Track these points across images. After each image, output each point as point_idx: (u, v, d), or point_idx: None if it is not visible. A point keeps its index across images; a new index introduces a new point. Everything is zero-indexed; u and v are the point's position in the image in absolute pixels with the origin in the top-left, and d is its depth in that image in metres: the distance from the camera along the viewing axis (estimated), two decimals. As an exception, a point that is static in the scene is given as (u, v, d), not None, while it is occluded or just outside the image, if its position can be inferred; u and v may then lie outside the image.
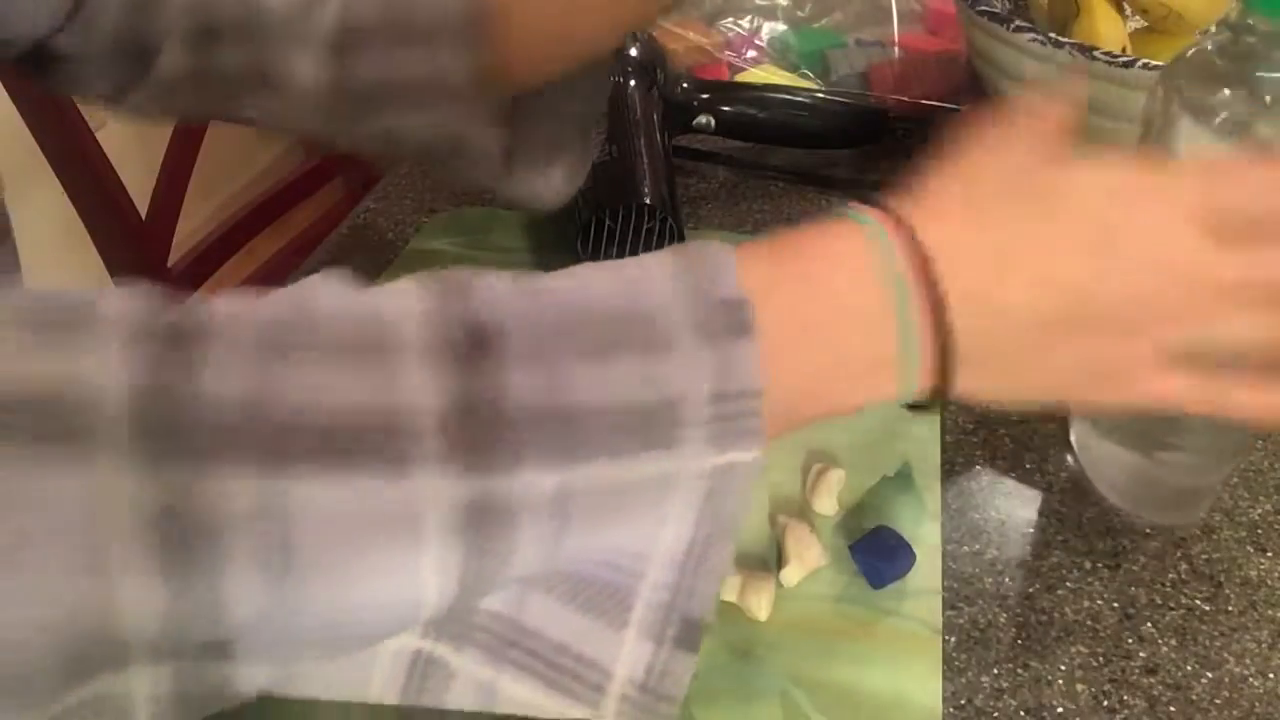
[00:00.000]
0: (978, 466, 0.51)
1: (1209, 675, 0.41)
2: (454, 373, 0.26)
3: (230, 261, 1.15)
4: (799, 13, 0.86)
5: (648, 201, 0.60)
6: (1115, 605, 0.44)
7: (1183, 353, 0.31)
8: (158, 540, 0.23)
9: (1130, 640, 0.43)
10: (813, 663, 0.42)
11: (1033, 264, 0.30)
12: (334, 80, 0.43)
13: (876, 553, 0.45)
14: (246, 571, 0.24)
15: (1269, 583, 0.45)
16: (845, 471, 0.49)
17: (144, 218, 1.06)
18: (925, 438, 0.52)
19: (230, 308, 0.26)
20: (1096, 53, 0.55)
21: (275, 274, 1.15)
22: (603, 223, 0.60)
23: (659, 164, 0.63)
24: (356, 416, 0.25)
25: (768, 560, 0.46)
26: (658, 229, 0.61)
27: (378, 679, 0.28)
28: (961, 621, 0.44)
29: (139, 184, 1.06)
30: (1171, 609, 0.44)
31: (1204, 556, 0.46)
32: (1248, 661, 0.42)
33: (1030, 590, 0.45)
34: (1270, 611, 0.44)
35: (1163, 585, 0.45)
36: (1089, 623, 0.43)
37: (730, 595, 0.44)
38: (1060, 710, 0.40)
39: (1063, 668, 0.42)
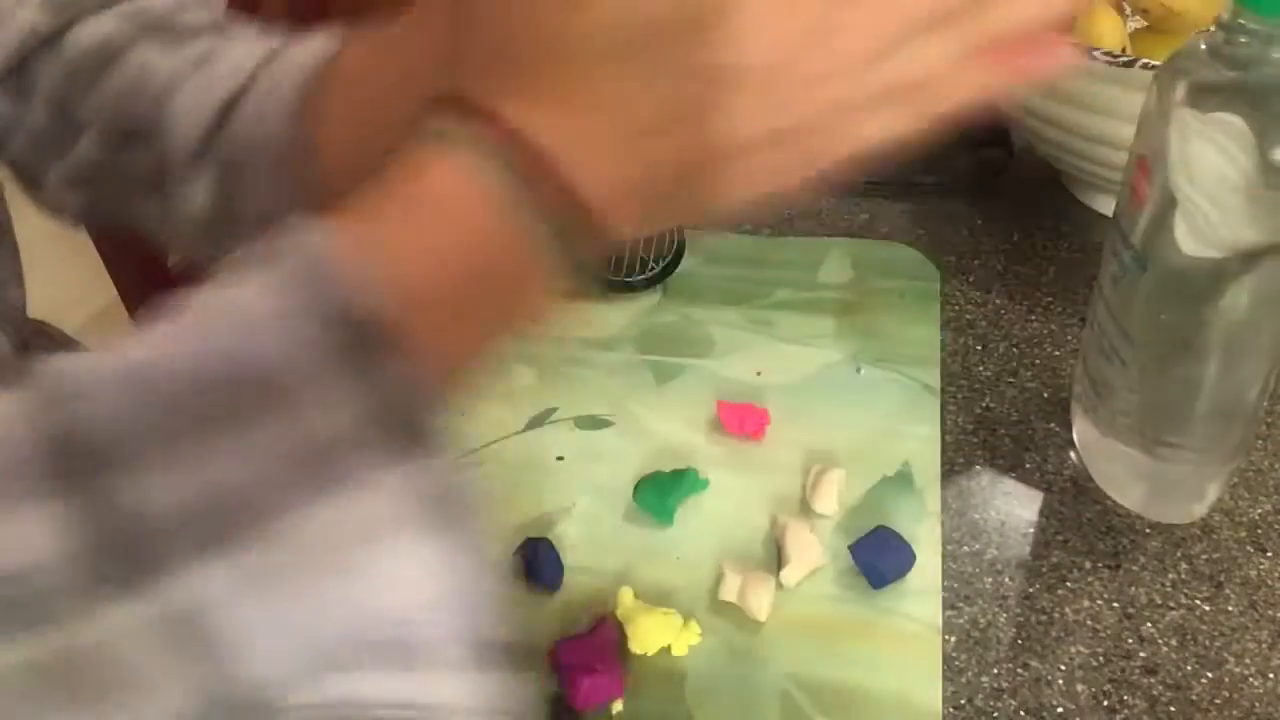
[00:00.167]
0: (978, 466, 0.51)
1: (1209, 675, 0.41)
2: (74, 505, 0.23)
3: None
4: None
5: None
6: (1115, 605, 0.44)
7: (880, 89, 0.29)
8: None
9: (1130, 640, 0.43)
10: (813, 663, 0.42)
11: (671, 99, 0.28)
12: (219, 206, 0.43)
13: (876, 553, 0.45)
14: None
15: (1269, 583, 0.45)
16: (845, 471, 0.49)
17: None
18: (925, 438, 0.52)
19: None
20: (1096, 53, 0.55)
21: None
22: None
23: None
24: None
25: (768, 560, 0.46)
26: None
27: None
28: (961, 621, 0.44)
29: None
30: (1171, 609, 0.44)
31: (1204, 556, 0.46)
32: (1248, 661, 0.42)
33: (1030, 590, 0.45)
34: (1270, 611, 0.44)
35: (1163, 585, 0.45)
36: (1089, 623, 0.43)
37: (730, 595, 0.44)
38: (1060, 710, 0.40)
39: (1063, 668, 0.42)
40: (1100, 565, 0.46)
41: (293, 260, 0.26)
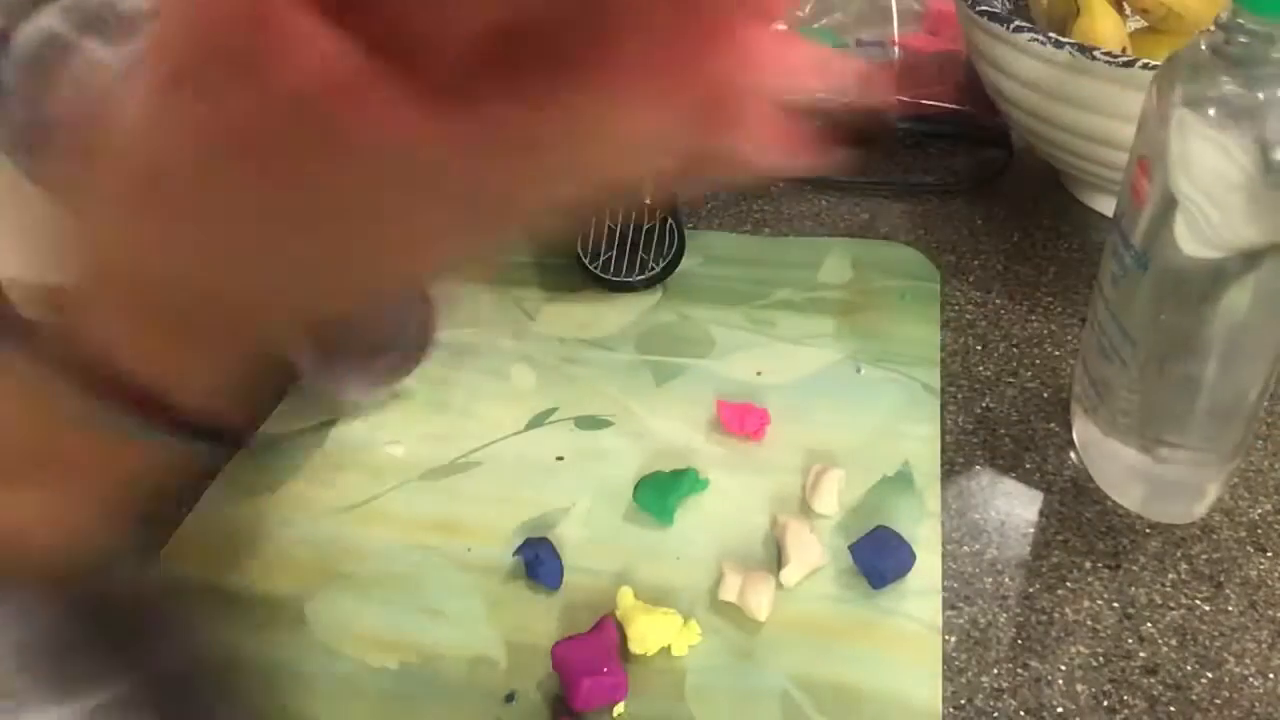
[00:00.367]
0: (978, 466, 0.51)
1: (1209, 675, 0.41)
2: None
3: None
4: (799, 13, 0.86)
5: (648, 201, 0.60)
6: (1115, 605, 0.44)
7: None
8: None
9: (1130, 640, 0.43)
10: (813, 663, 0.42)
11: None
12: None
13: (876, 553, 0.45)
14: None
15: (1269, 583, 0.45)
16: (845, 471, 0.49)
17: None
18: (925, 438, 0.52)
19: None
20: (1096, 53, 0.55)
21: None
22: (603, 223, 0.61)
23: (659, 164, 0.63)
24: None
25: (768, 560, 0.46)
26: (658, 229, 0.61)
27: None
28: (961, 621, 0.44)
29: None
30: (1171, 609, 0.44)
31: (1204, 556, 0.46)
32: (1248, 661, 0.42)
33: (1030, 590, 0.45)
34: (1270, 611, 0.44)
35: (1163, 585, 0.45)
36: (1089, 623, 0.43)
37: (730, 595, 0.44)
38: (1060, 710, 0.40)
39: (1063, 668, 0.42)
40: (1100, 565, 0.46)
41: None
